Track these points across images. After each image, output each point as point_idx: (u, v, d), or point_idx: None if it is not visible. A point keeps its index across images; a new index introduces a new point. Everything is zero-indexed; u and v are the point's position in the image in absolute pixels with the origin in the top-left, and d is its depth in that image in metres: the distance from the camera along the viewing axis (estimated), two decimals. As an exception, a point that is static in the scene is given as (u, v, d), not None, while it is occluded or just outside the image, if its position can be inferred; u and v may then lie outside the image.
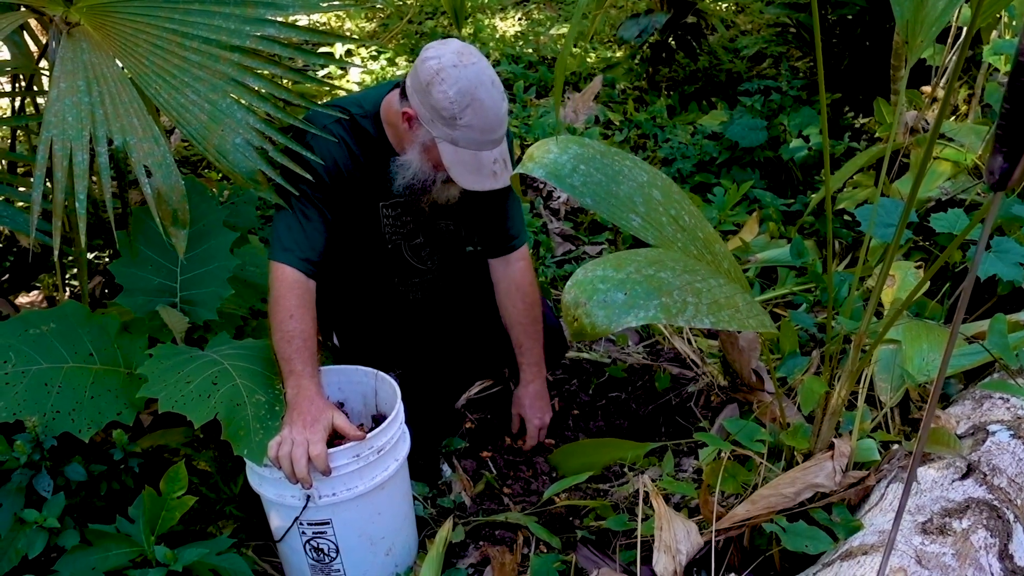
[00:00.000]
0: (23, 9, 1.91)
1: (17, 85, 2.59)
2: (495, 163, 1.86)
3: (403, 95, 1.90)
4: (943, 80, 3.31)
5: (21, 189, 2.33)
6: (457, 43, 1.87)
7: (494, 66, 1.99)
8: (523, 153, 1.60)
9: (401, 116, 1.89)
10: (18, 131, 2.70)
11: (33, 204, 1.72)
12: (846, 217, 3.19)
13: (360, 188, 2.02)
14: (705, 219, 1.65)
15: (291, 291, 1.86)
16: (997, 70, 3.19)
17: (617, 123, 4.49)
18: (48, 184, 1.76)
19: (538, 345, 2.28)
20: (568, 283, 1.26)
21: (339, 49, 5.20)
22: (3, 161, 2.67)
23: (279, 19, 1.96)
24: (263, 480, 1.76)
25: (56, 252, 1.72)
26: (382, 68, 5.18)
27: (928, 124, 3.28)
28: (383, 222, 2.11)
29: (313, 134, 1.93)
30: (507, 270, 2.24)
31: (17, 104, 2.59)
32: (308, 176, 1.91)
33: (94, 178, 2.16)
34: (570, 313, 1.23)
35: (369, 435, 1.73)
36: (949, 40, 3.23)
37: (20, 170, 2.68)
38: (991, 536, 1.57)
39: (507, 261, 2.24)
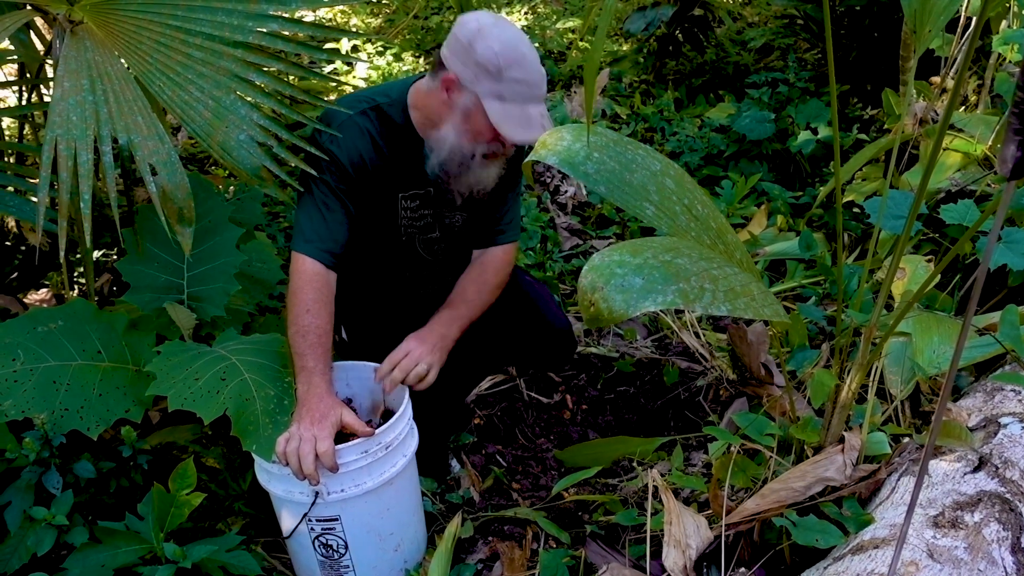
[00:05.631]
0: (28, 8, 1.91)
1: (25, 77, 2.60)
2: (542, 116, 1.84)
3: (438, 67, 1.88)
4: (953, 70, 3.28)
5: (31, 180, 2.33)
6: (490, 12, 1.88)
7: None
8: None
9: (439, 88, 1.86)
10: (26, 123, 2.71)
11: (39, 204, 1.72)
12: (855, 209, 3.18)
13: (382, 179, 2.00)
14: (717, 209, 1.64)
15: (310, 284, 1.85)
16: (1007, 60, 3.17)
17: (624, 117, 4.47)
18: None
19: (465, 308, 2.09)
20: (585, 268, 1.24)
21: (345, 45, 5.19)
22: (12, 151, 2.68)
23: (283, 15, 1.95)
24: (271, 477, 1.76)
25: (62, 251, 1.72)
26: (388, 64, 5.17)
27: (938, 115, 3.25)
28: (400, 214, 2.10)
29: (340, 124, 1.92)
30: (483, 254, 2.16)
31: (24, 99, 2.59)
32: (324, 162, 1.90)
33: (101, 176, 2.17)
34: (587, 297, 1.22)
35: (377, 431, 1.72)
36: (958, 30, 3.21)
37: (29, 161, 2.68)
38: (1003, 529, 1.56)
39: (486, 250, 2.16)
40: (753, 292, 1.36)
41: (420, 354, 1.93)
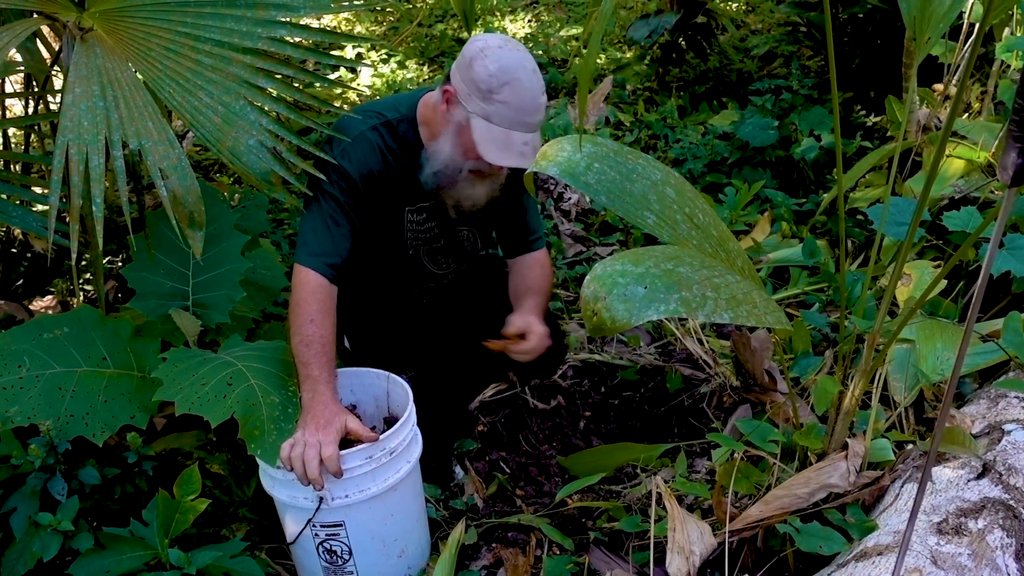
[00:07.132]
0: (36, 16, 1.93)
1: (31, 88, 2.61)
2: (524, 144, 1.86)
3: (446, 80, 1.92)
4: (955, 78, 3.29)
5: (35, 190, 2.34)
6: (504, 35, 1.90)
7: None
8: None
9: (441, 98, 1.90)
10: (32, 135, 2.72)
11: (51, 209, 1.73)
12: (859, 216, 3.18)
13: (389, 193, 2.02)
14: (719, 217, 1.65)
15: (313, 296, 1.87)
16: (1010, 67, 3.17)
17: (628, 124, 4.48)
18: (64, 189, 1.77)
19: (544, 299, 2.19)
20: (587, 278, 1.25)
21: (349, 52, 5.21)
22: (18, 161, 2.69)
23: (290, 21, 1.96)
24: (276, 483, 1.76)
25: (74, 253, 1.73)
26: (392, 71, 5.19)
27: (940, 122, 3.26)
28: (406, 228, 2.12)
29: (353, 139, 1.94)
30: (523, 262, 2.24)
31: (30, 109, 2.61)
32: (334, 176, 1.92)
33: (108, 183, 2.17)
34: (589, 307, 1.22)
35: (382, 437, 1.73)
36: (961, 37, 3.21)
37: (33, 172, 2.70)
38: (1007, 536, 1.56)
39: (524, 259, 2.24)
40: (755, 300, 1.36)
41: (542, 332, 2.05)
